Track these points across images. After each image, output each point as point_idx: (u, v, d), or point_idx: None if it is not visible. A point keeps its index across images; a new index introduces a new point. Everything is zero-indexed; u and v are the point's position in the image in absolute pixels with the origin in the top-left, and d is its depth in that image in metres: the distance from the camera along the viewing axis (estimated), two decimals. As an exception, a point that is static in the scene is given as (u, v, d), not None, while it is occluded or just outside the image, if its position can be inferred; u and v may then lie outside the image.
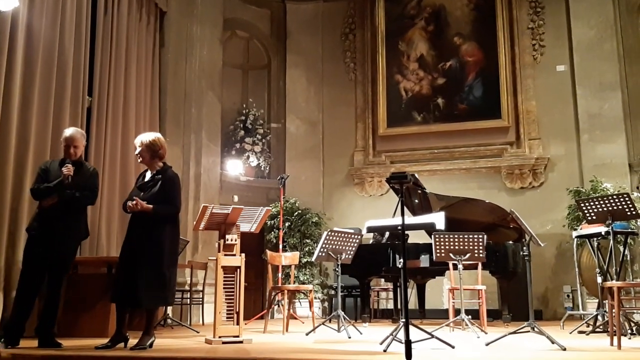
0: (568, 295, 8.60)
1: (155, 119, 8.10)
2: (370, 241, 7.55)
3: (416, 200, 7.45)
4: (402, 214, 3.64)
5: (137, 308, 4.27)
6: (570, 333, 5.38)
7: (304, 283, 8.81)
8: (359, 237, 5.74)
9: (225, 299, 4.41)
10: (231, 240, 4.48)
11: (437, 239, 5.66)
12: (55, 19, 5.95)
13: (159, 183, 4.20)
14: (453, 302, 6.00)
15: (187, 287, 7.17)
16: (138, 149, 4.27)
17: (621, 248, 5.73)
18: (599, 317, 5.42)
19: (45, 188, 4.31)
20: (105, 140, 6.76)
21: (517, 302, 6.94)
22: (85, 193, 4.42)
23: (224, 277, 4.41)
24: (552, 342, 3.96)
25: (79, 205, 4.43)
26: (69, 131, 4.51)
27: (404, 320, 3.29)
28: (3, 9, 4.96)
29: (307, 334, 5.31)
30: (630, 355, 3.79)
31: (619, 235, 5.56)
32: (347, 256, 5.64)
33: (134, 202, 4.07)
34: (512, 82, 9.56)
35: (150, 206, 4.08)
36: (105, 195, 6.66)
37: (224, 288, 4.40)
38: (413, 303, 8.11)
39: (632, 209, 4.83)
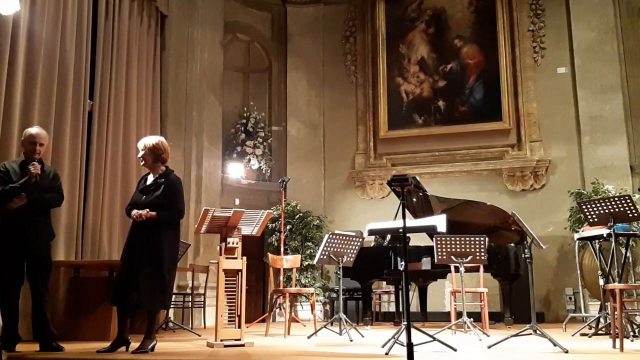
0: (570, 298, 8.59)
1: (156, 122, 8.11)
2: (372, 244, 7.55)
3: (417, 203, 7.45)
4: (404, 217, 3.64)
5: (137, 310, 4.26)
6: (573, 335, 5.37)
7: (305, 286, 8.80)
8: (361, 240, 5.74)
9: (227, 302, 4.40)
10: (232, 243, 4.48)
11: (438, 242, 5.65)
12: (56, 22, 5.96)
13: (162, 187, 4.20)
14: (455, 305, 6.00)
15: (188, 291, 7.18)
16: (141, 152, 4.27)
17: (623, 250, 5.71)
18: (601, 320, 5.41)
19: (12, 189, 4.17)
20: (106, 144, 6.77)
21: (519, 304, 6.94)
22: (52, 195, 4.39)
23: (226, 280, 4.41)
24: (555, 345, 3.96)
25: (46, 207, 4.40)
26: (34, 129, 4.40)
27: (405, 323, 3.28)
28: (4, 13, 4.97)
29: (308, 337, 5.31)
30: (632, 357, 3.78)
31: (620, 237, 5.55)
32: (348, 259, 5.64)
33: (138, 214, 4.07)
34: (512, 85, 9.57)
35: (154, 213, 4.08)
36: (106, 198, 6.66)
37: (225, 291, 4.40)
38: (415, 306, 8.10)
39: (633, 211, 4.83)
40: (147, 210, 4.08)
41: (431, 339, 3.96)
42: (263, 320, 7.10)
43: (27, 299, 4.33)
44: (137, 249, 4.07)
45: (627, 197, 4.87)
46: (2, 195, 4.19)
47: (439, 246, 5.65)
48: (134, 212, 4.11)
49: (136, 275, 3.98)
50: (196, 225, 4.54)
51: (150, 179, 4.31)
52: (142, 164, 4.32)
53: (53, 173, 4.51)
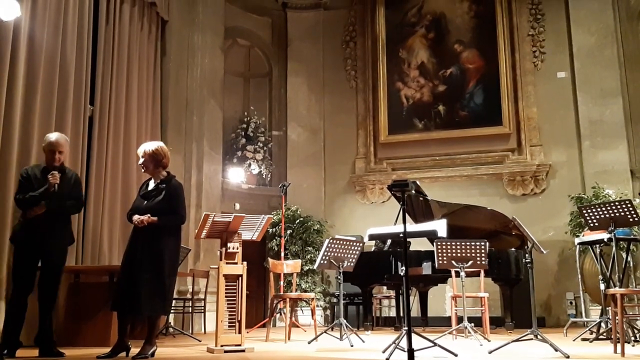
0: (571, 302, 8.57)
1: (156, 127, 8.11)
2: (372, 249, 7.54)
3: (418, 208, 7.44)
4: (404, 222, 3.64)
5: (137, 316, 4.26)
6: (574, 340, 5.36)
7: (306, 291, 8.79)
8: (361, 244, 5.73)
9: (227, 308, 4.39)
10: (233, 248, 4.47)
11: (439, 246, 5.65)
12: (57, 28, 5.97)
13: (163, 193, 4.20)
14: (456, 310, 5.99)
15: (188, 296, 7.16)
16: (141, 159, 4.26)
17: (624, 254, 5.70)
18: (602, 324, 5.40)
19: (31, 197, 4.21)
20: (107, 149, 6.77)
21: (520, 309, 6.92)
22: (71, 202, 4.40)
23: (226, 285, 4.41)
24: (556, 350, 3.95)
25: (65, 214, 4.42)
26: (53, 136, 4.42)
27: (406, 328, 3.28)
28: (5, 18, 4.99)
29: (309, 343, 5.30)
30: (634, 362, 3.77)
31: (621, 242, 5.54)
32: (349, 264, 5.63)
33: (140, 219, 4.07)
34: (512, 89, 9.58)
35: (156, 218, 4.09)
36: (107, 204, 6.66)
37: (225, 296, 4.39)
38: (415, 311, 8.08)
39: (634, 215, 4.82)
40: (149, 215, 4.09)
41: (432, 344, 3.95)
42: (263, 325, 7.09)
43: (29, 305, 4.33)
44: (137, 255, 4.07)
45: (627, 202, 4.86)
46: (22, 204, 4.26)
47: (439, 251, 5.64)
48: (135, 217, 4.11)
49: (137, 281, 3.98)
50: (196, 230, 4.53)
51: (152, 184, 4.31)
52: (143, 170, 4.32)
53: (74, 178, 4.51)
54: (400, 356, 3.58)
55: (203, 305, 7.26)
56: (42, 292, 4.28)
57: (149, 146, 4.29)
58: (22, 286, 4.21)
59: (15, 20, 5.23)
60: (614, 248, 5.07)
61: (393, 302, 8.63)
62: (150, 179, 4.36)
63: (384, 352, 4.00)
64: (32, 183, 4.28)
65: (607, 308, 5.31)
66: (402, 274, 3.60)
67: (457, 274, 5.77)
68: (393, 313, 8.66)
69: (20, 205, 4.33)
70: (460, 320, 5.68)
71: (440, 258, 5.64)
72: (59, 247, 4.38)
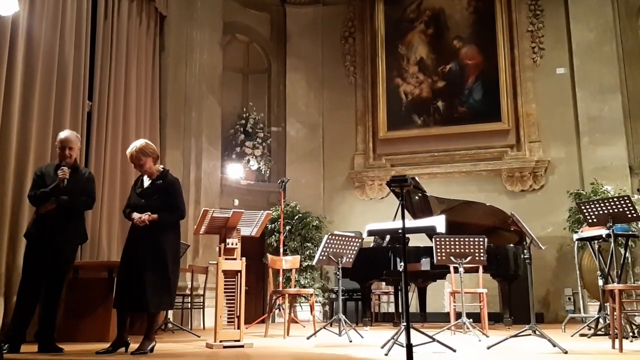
0: (569, 298, 8.59)
1: (155, 123, 8.10)
2: (371, 245, 7.54)
3: (417, 204, 7.45)
4: (403, 218, 3.64)
5: (145, 312, 4.23)
6: (572, 336, 5.37)
7: (304, 287, 8.80)
8: (360, 240, 5.74)
9: (226, 303, 4.40)
10: (232, 244, 4.47)
11: (437, 242, 5.65)
12: (55, 23, 5.95)
13: (161, 189, 4.19)
14: (454, 306, 6.00)
15: (187, 292, 7.17)
16: (137, 161, 4.18)
17: (622, 251, 5.71)
18: (601, 320, 5.41)
19: (42, 194, 4.26)
20: (105, 145, 6.76)
21: (518, 305, 6.93)
22: (82, 199, 4.40)
23: (225, 281, 4.41)
24: (554, 345, 3.96)
25: (77, 211, 4.42)
26: (63, 133, 4.47)
27: (405, 323, 3.28)
28: (3, 13, 4.97)
29: (308, 338, 5.30)
30: (631, 357, 3.78)
31: (619, 238, 5.55)
32: (347, 260, 5.64)
33: (142, 219, 4.06)
34: (512, 85, 9.58)
35: (156, 216, 4.08)
36: (105, 200, 6.65)
37: (224, 292, 4.40)
38: (414, 306, 8.10)
39: (632, 212, 4.82)
40: (149, 213, 4.08)
41: (430, 340, 3.96)
42: (262, 321, 7.10)
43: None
44: (138, 251, 4.06)
45: (626, 198, 4.86)
46: (34, 200, 4.33)
47: (438, 247, 5.65)
48: (136, 216, 4.09)
49: (140, 278, 3.96)
50: (195, 226, 4.53)
51: (147, 180, 4.28)
52: (142, 168, 4.23)
53: (87, 175, 4.53)
54: (399, 351, 3.59)
55: (202, 301, 7.26)
56: (46, 289, 4.28)
57: (135, 145, 4.22)
58: (28, 283, 4.22)
59: (13, 16, 5.22)
60: (612, 244, 5.08)
61: (392, 297, 8.64)
62: (142, 176, 4.32)
63: (382, 347, 4.01)
64: (45, 180, 4.32)
65: (605, 304, 5.32)
66: (400, 269, 3.61)
67: (456, 270, 5.78)
68: (392, 309, 8.67)
69: (32, 202, 4.40)
70: (458, 316, 5.69)
71: (438, 254, 5.65)
72: (69, 245, 4.39)
